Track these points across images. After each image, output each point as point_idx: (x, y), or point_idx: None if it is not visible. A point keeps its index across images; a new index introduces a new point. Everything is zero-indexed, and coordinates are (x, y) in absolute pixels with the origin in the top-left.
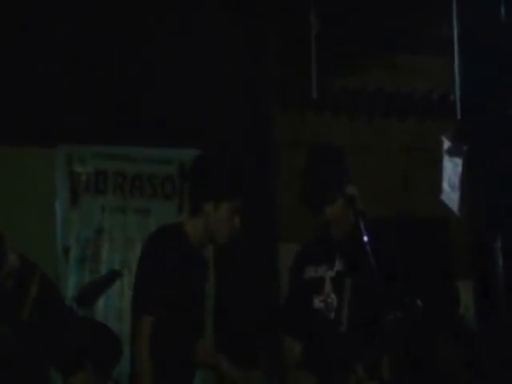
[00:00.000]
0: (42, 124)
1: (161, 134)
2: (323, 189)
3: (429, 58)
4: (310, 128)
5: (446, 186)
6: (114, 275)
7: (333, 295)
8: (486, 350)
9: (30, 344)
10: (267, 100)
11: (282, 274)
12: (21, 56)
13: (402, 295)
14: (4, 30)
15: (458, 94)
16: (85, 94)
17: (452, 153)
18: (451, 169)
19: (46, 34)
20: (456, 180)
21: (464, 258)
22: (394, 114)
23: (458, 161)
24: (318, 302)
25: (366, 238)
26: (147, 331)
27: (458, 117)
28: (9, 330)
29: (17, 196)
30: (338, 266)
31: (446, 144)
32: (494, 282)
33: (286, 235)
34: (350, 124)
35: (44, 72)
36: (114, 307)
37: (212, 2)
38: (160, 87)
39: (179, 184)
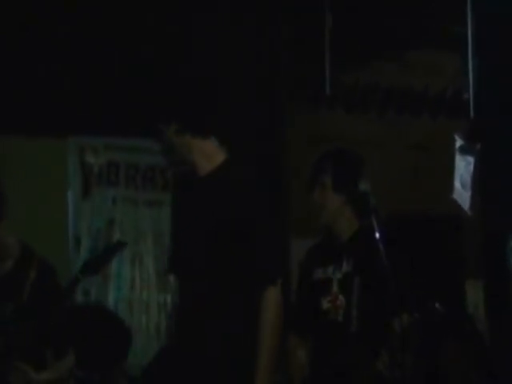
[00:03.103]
0: (55, 115)
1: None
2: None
3: (443, 55)
4: (322, 124)
5: (457, 184)
6: (119, 246)
7: (341, 297)
8: (496, 350)
9: (27, 326)
10: (280, 96)
11: (293, 270)
12: (33, 48)
13: (423, 298)
14: (17, 22)
15: (471, 92)
16: (98, 85)
17: (465, 151)
18: (463, 167)
19: (53, 27)
20: (468, 178)
21: (475, 257)
22: (407, 110)
23: (471, 159)
24: (325, 303)
25: (378, 235)
26: None
27: (472, 115)
28: (9, 310)
29: (29, 187)
30: (346, 266)
31: (459, 142)
32: (505, 281)
33: (297, 231)
34: (362, 120)
35: (57, 61)
36: (125, 299)
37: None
38: (173, 80)
39: None
